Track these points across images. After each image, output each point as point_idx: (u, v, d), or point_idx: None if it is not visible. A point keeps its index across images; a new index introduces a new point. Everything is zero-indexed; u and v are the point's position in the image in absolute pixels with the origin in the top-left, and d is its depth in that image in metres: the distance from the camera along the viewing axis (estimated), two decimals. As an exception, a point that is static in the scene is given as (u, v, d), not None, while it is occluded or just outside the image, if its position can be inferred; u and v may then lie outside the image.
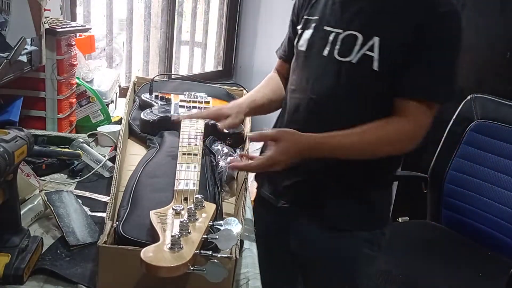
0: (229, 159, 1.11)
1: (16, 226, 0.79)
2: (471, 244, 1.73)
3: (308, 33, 1.12)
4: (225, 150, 1.15)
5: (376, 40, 1.00)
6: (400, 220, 1.90)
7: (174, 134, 1.22)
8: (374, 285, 1.29)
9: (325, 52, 1.07)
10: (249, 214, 1.05)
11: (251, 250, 0.91)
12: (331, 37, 1.07)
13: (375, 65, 1.00)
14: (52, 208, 0.92)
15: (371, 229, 1.15)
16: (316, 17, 1.12)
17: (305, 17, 1.15)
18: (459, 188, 1.79)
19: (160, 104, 1.37)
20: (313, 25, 1.12)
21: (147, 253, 0.65)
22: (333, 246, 1.14)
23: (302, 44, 1.13)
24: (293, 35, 1.20)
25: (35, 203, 0.93)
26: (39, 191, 1.01)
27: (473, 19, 1.95)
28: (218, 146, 1.17)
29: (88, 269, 0.79)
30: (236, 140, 1.26)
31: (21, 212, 0.83)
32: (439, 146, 1.84)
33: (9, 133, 0.75)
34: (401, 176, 2.19)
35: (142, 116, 1.28)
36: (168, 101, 1.38)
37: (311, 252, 1.18)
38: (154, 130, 1.24)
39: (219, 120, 1.15)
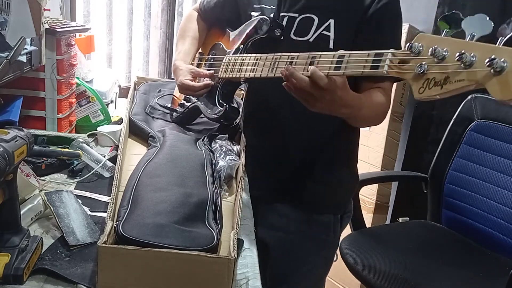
0: (228, 158, 1.12)
1: (16, 226, 0.79)
2: (471, 244, 1.73)
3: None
4: (224, 149, 1.16)
5: (331, 21, 1.08)
6: (400, 220, 1.90)
7: (176, 133, 1.22)
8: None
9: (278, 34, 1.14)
10: (248, 213, 1.05)
11: (251, 250, 0.90)
12: (284, 21, 1.14)
13: (331, 44, 1.07)
14: (52, 208, 0.91)
15: (331, 212, 1.24)
16: (272, 6, 1.17)
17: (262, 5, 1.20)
18: (459, 188, 1.79)
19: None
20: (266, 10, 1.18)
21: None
22: (293, 229, 1.21)
23: None
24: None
25: (35, 203, 0.93)
26: (39, 191, 1.00)
27: (473, 19, 1.94)
28: (217, 145, 1.17)
29: (88, 269, 0.79)
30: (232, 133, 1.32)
31: (21, 212, 0.83)
32: (440, 146, 1.85)
33: (9, 133, 0.75)
34: (401, 176, 2.20)
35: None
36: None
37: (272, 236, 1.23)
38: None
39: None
